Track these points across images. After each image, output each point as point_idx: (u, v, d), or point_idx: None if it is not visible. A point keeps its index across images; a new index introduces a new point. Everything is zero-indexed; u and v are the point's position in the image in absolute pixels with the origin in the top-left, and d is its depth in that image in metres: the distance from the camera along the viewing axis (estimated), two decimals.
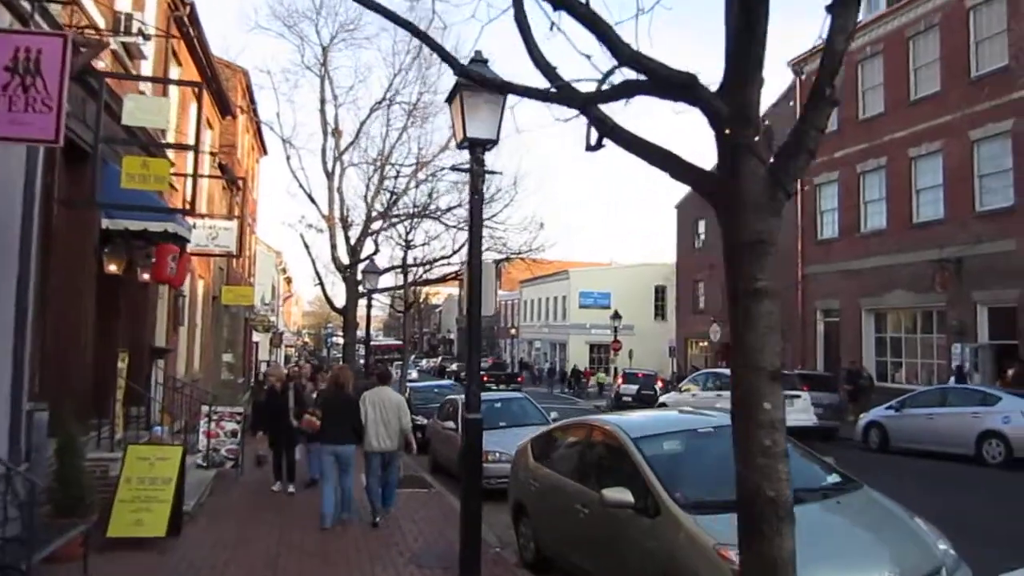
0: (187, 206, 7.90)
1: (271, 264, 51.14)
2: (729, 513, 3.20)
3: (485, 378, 35.59)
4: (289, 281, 69.72)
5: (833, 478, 5.39)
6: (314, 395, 9.70)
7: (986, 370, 18.93)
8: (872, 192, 24.15)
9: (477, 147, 6.34)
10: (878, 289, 23.34)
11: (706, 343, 34.38)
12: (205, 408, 11.81)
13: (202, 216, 12.38)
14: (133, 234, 8.94)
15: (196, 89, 8.79)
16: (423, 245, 18.68)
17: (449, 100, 6.55)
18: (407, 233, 12.60)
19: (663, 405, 20.39)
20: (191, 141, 11.59)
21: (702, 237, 35.57)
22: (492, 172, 6.88)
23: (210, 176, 13.48)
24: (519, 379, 40.10)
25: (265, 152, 34.06)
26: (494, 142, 6.38)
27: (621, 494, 5.05)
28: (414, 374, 32.39)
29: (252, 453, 12.41)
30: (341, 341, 31.91)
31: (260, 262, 40.81)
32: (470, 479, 6.58)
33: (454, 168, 7.24)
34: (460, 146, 6.50)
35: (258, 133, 31.04)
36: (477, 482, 6.63)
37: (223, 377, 21.22)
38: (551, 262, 36.68)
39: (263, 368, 33.89)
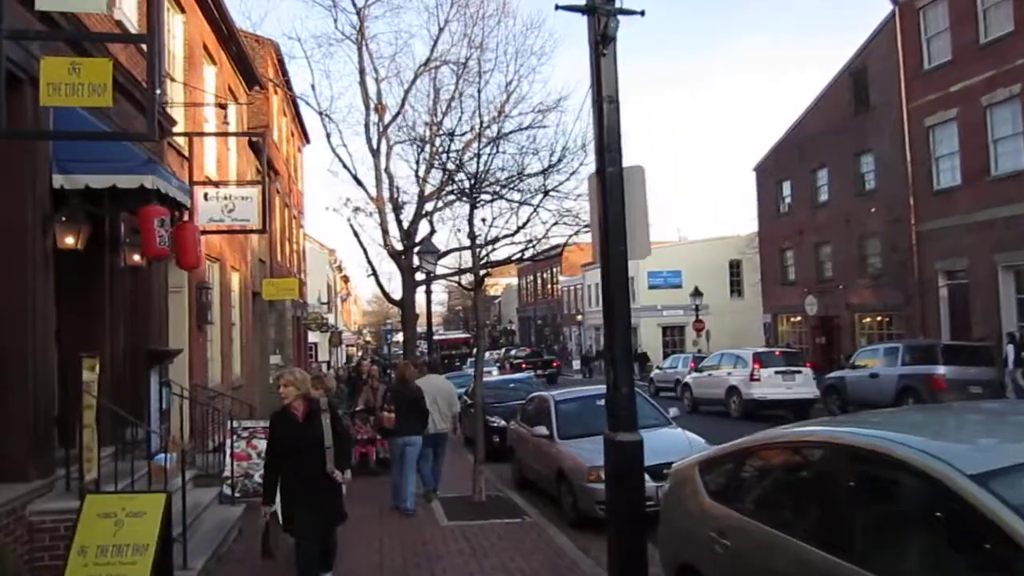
0: (184, 158, 5.51)
1: (324, 261, 49.50)
2: None
3: (524, 365, 37.44)
4: (346, 280, 68.38)
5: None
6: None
7: None
8: (1003, 127, 20.42)
9: None
10: (1017, 242, 19.65)
11: (799, 317, 30.92)
12: (233, 423, 9.39)
13: (215, 184, 9.95)
14: (96, 195, 6.47)
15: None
16: (493, 220, 15.71)
17: None
18: (472, 190, 10.15)
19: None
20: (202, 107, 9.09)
21: (787, 200, 32.03)
22: (627, 11, 4.19)
23: (218, 134, 11.02)
24: (554, 364, 42.24)
25: (307, 139, 31.96)
26: None
27: None
28: (495, 372, 27.51)
29: None
30: (401, 338, 29.75)
31: (311, 259, 39.02)
32: (622, 546, 3.82)
33: (564, 8, 4.36)
34: None
35: (297, 117, 28.89)
36: (636, 550, 3.85)
37: (271, 381, 19.00)
38: None
39: (324, 369, 31.84)
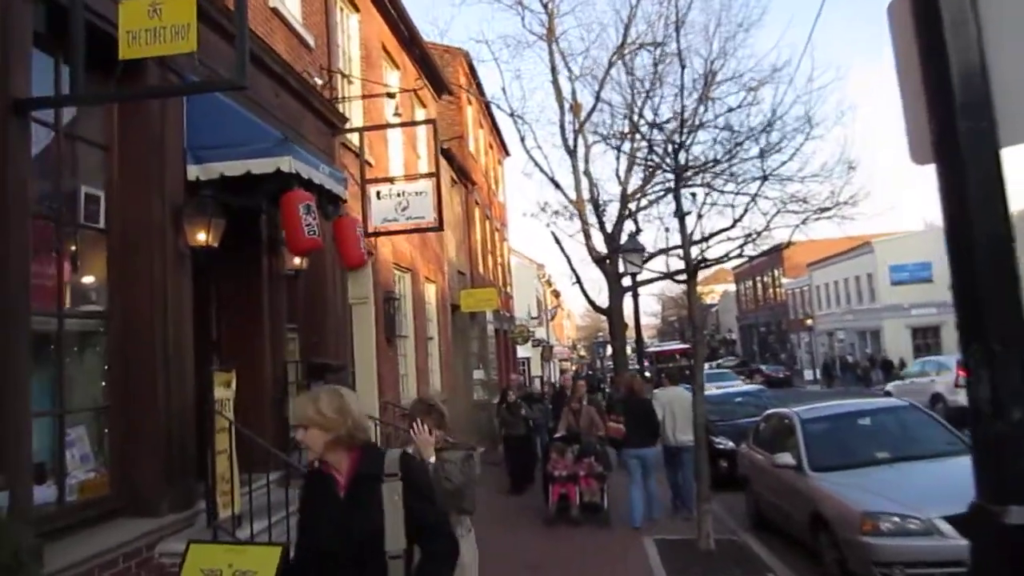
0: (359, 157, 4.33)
1: (532, 275, 49.30)
2: None
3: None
4: (556, 294, 68.24)
5: None
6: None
7: None
8: None
9: None
10: None
11: None
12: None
13: (387, 180, 9.01)
14: (245, 187, 5.56)
15: None
16: (702, 207, 13.50)
17: None
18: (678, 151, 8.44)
19: None
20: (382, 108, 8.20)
21: None
22: None
23: (387, 125, 10.07)
24: (763, 373, 38.83)
25: (506, 151, 31.58)
26: None
27: None
28: (741, 385, 23.71)
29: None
30: (610, 350, 28.19)
31: (517, 273, 38.74)
32: None
33: None
34: None
35: (495, 129, 28.51)
36: None
37: (476, 397, 18.25)
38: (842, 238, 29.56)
39: (536, 385, 31.02)
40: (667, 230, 22.07)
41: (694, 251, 7.63)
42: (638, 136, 17.46)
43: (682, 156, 7.58)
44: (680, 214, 7.11)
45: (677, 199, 7.14)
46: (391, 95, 9.23)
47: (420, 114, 15.12)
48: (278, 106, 7.41)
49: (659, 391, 10.01)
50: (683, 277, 7.96)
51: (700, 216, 7.29)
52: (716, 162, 7.66)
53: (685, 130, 7.36)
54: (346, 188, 6.65)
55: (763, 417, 9.35)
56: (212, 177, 5.48)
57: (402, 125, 10.45)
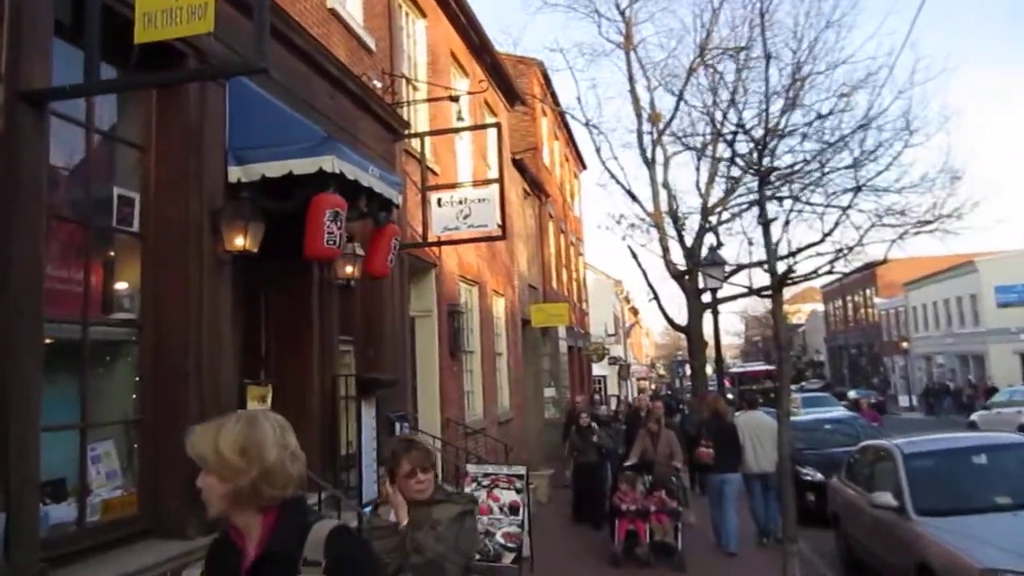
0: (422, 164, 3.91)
1: (609, 292, 48.39)
2: None
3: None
4: (635, 312, 66.92)
5: None
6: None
7: None
8: None
9: None
10: None
11: None
12: (472, 468, 7.81)
13: (449, 187, 8.56)
14: (274, 185, 5.22)
15: None
16: (788, 216, 12.40)
17: None
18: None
19: None
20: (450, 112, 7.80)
21: None
22: None
23: (450, 130, 9.61)
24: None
25: (583, 165, 31.03)
26: None
27: None
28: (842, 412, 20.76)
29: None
30: (689, 370, 27.10)
31: (594, 289, 38.01)
32: None
33: None
34: None
35: (571, 142, 28.01)
36: None
37: (547, 415, 17.65)
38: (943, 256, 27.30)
39: (613, 404, 30.07)
40: (750, 243, 20.83)
41: (780, 266, 6.90)
42: (720, 142, 16.65)
43: (767, 160, 6.87)
44: (765, 220, 6.39)
45: (762, 205, 6.43)
46: (454, 98, 8.83)
47: (465, 101, 14.75)
48: (334, 109, 7.12)
49: (740, 415, 9.74)
50: (768, 292, 7.21)
51: (787, 223, 6.55)
52: (805, 162, 6.89)
53: (771, 127, 6.65)
54: (400, 193, 6.25)
55: (858, 449, 8.41)
56: (253, 179, 5.16)
57: (465, 129, 10.04)
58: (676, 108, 18.57)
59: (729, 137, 7.53)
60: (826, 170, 10.55)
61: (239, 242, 4.94)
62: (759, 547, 8.92)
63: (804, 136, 8.94)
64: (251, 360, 6.12)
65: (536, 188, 18.80)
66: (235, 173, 5.18)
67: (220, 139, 5.15)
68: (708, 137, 17.39)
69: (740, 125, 7.08)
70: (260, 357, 6.18)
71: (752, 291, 8.06)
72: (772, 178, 6.44)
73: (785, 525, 6.85)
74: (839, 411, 20.21)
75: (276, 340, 6.24)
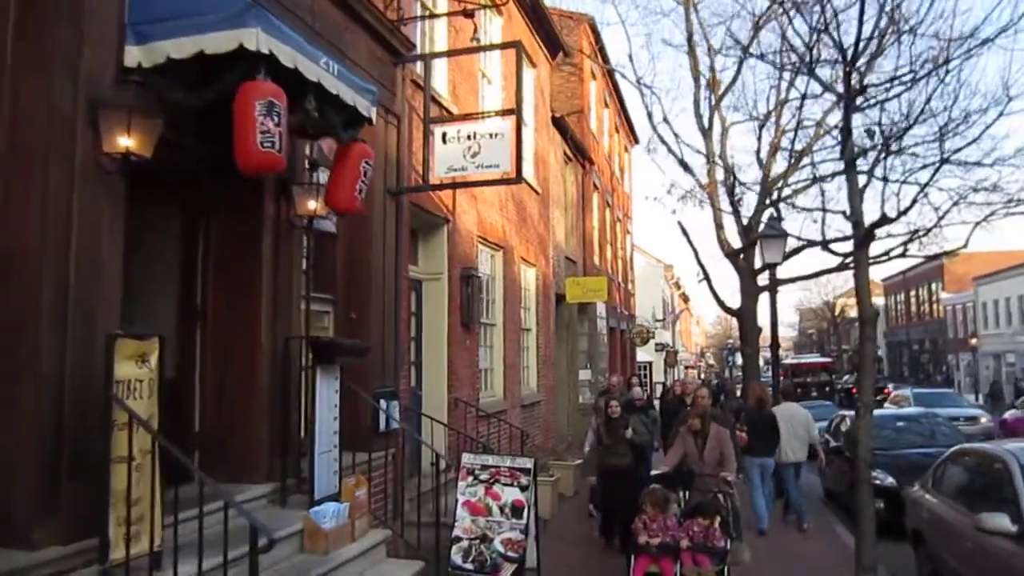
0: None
1: (659, 276, 46.54)
2: None
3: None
4: (685, 299, 64.76)
5: None
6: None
7: None
8: None
9: None
10: None
11: None
12: (467, 459, 6.46)
13: (454, 119, 7.08)
14: (191, 74, 3.90)
15: None
16: (879, 158, 10.43)
17: None
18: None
19: None
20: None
21: None
22: None
23: (462, 50, 8.08)
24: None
25: (635, 139, 29.25)
26: None
27: None
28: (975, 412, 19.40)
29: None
30: (740, 358, 25.32)
31: (642, 272, 36.32)
32: None
33: None
34: None
35: (622, 112, 26.29)
36: None
37: (581, 400, 16.22)
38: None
39: (659, 390, 28.24)
40: (815, 222, 19.09)
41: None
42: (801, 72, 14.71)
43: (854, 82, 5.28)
44: (850, 155, 4.86)
45: (846, 135, 4.87)
46: (468, 14, 7.38)
47: (530, 75, 13.30)
48: (308, 9, 5.76)
49: (777, 408, 9.78)
50: (846, 254, 5.64)
51: (880, 158, 4.96)
52: (912, 81, 5.27)
53: (862, 38, 5.07)
54: (374, 104, 4.87)
55: (950, 455, 6.76)
56: (158, 62, 3.85)
57: (477, 50, 8.55)
58: (737, 73, 17.01)
59: (808, 60, 5.91)
60: (922, 111, 8.69)
61: (121, 142, 3.65)
62: (783, 523, 9.38)
63: (891, 81, 7.25)
64: (184, 309, 4.86)
65: (580, 153, 17.27)
66: (133, 55, 3.89)
67: (113, 9, 3.85)
68: (777, 71, 15.49)
69: (823, 27, 5.46)
70: (194, 305, 4.91)
71: (826, 243, 6.49)
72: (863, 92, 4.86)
73: (861, 548, 5.34)
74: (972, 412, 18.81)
75: (215, 286, 4.97)
